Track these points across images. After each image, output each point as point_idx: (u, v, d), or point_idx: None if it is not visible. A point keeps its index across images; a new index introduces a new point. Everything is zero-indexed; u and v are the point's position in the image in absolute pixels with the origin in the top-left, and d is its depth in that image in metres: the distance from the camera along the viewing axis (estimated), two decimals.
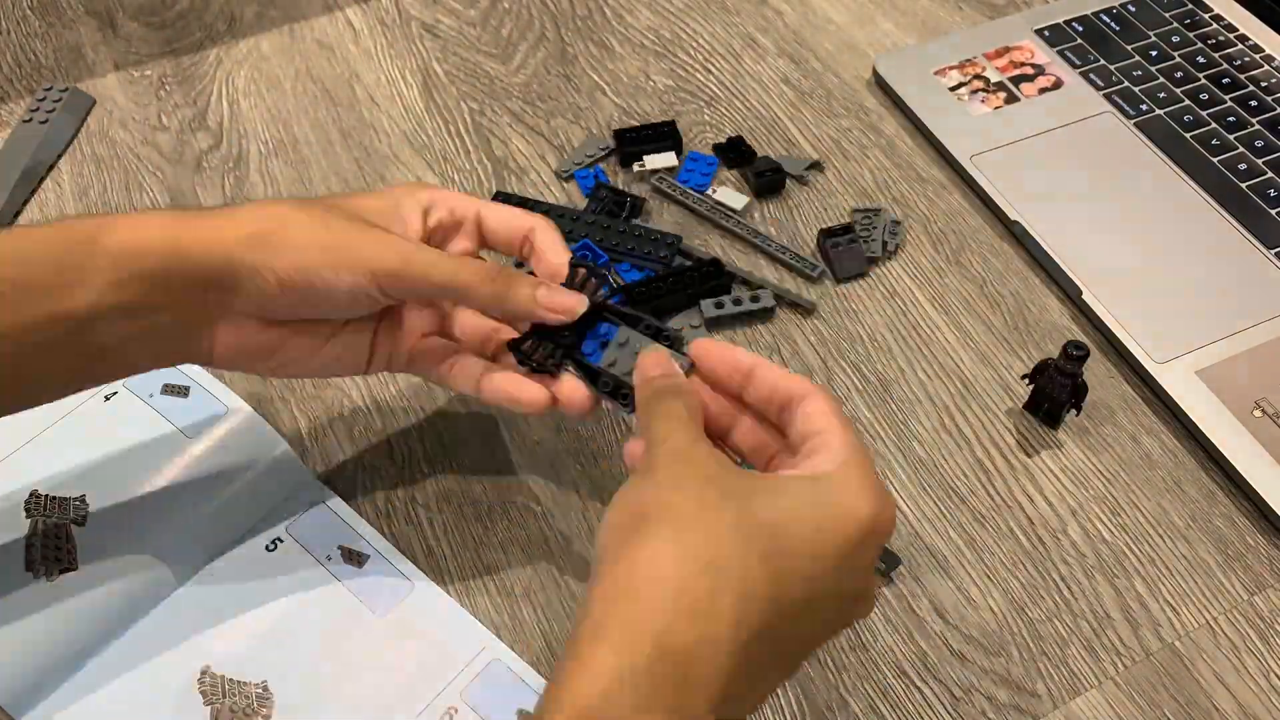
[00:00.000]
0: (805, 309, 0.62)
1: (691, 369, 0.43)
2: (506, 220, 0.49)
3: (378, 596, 0.51)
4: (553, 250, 0.48)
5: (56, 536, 0.50)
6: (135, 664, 0.48)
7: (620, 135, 0.69)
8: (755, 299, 0.61)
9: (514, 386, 0.46)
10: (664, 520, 0.35)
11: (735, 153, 0.69)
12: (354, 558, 0.52)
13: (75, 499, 0.51)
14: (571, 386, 0.45)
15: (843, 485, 0.37)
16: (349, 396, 0.58)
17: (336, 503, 0.53)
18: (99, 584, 0.49)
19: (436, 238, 0.48)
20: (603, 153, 0.69)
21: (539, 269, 0.48)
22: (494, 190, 0.68)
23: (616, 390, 0.44)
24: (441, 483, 0.55)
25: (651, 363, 0.42)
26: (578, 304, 0.45)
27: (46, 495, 0.52)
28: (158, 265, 0.42)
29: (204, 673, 0.48)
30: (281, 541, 0.52)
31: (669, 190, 0.66)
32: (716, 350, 0.42)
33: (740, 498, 0.36)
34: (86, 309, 0.41)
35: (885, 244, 0.64)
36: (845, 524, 0.36)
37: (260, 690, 0.48)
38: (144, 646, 0.49)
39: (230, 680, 0.48)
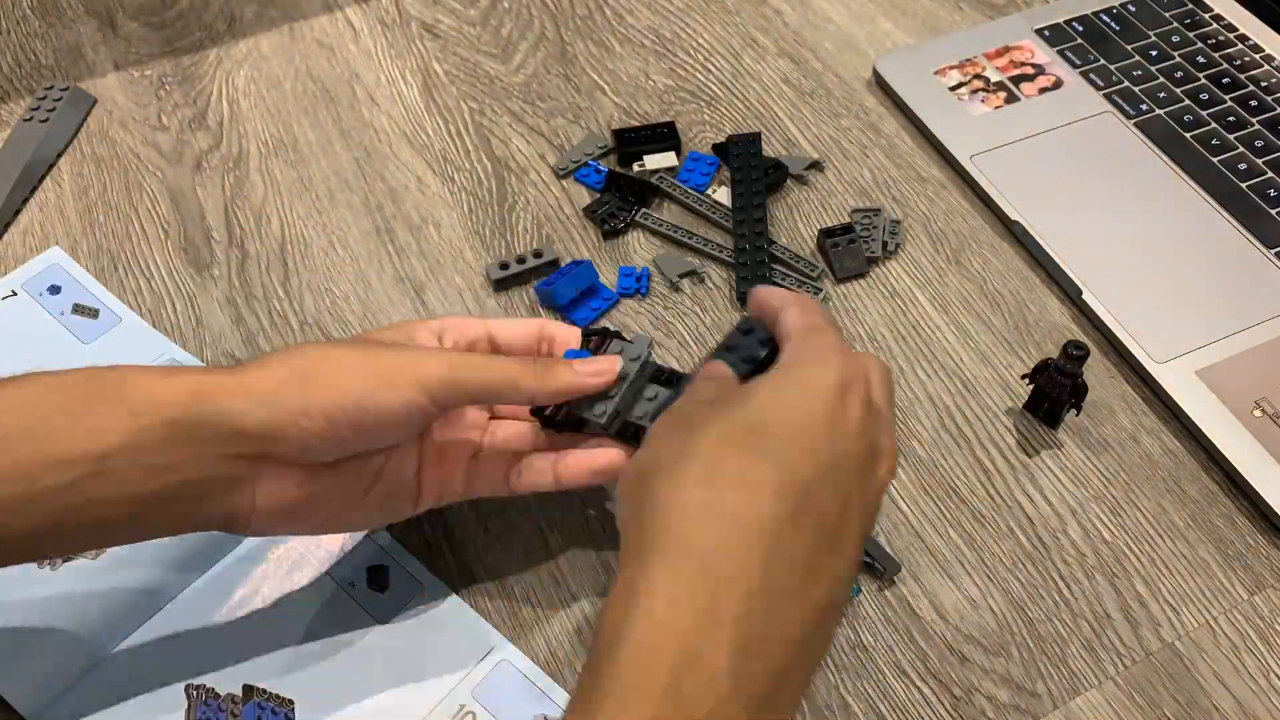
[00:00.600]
0: None
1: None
2: (516, 330, 0.51)
3: (384, 600, 0.50)
4: (573, 336, 0.51)
5: None
6: (144, 667, 0.48)
7: (620, 135, 0.69)
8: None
9: (590, 459, 0.47)
10: (658, 470, 0.37)
11: None
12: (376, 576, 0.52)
13: None
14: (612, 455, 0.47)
15: (804, 359, 0.40)
16: None
17: None
18: (109, 583, 0.49)
19: None
20: (601, 151, 0.69)
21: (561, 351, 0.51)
22: (494, 189, 0.68)
23: (625, 431, 0.47)
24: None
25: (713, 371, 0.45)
26: (613, 364, 0.47)
27: None
28: (183, 414, 0.39)
29: (199, 688, 0.48)
30: (285, 542, 0.52)
31: (669, 189, 0.66)
32: (760, 297, 0.46)
33: (720, 416, 0.38)
34: (95, 458, 0.38)
35: (885, 244, 0.64)
36: (816, 391, 0.38)
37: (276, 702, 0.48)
38: (152, 650, 0.49)
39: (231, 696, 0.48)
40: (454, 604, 0.51)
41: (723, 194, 0.67)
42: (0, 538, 0.38)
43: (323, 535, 0.50)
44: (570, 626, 0.50)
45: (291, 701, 0.47)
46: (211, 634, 0.49)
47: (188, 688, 0.48)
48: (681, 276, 0.63)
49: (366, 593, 0.51)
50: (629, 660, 0.32)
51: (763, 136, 0.68)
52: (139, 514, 0.40)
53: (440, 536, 0.53)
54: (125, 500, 0.39)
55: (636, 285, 0.62)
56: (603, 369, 0.46)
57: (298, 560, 0.51)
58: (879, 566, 0.51)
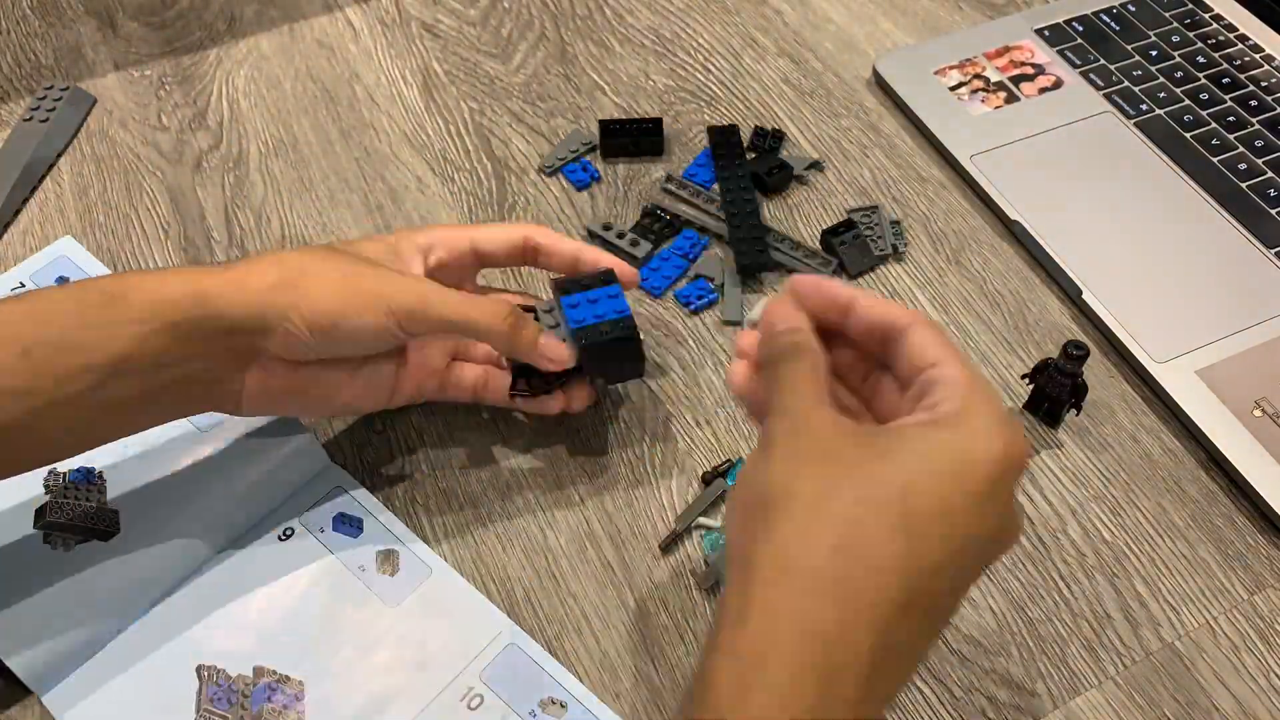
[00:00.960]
0: None
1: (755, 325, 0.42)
2: (499, 239, 0.52)
3: (394, 583, 0.51)
4: (561, 243, 0.52)
5: (73, 511, 0.51)
6: (154, 647, 0.49)
7: (605, 126, 0.69)
8: None
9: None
10: (787, 506, 0.34)
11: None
12: (352, 523, 0.53)
13: (95, 475, 0.52)
14: (579, 394, 0.54)
15: (969, 426, 0.35)
16: None
17: (360, 493, 0.54)
18: (120, 564, 0.49)
19: (440, 274, 0.51)
20: (586, 148, 0.69)
21: (554, 264, 0.53)
22: (494, 190, 0.68)
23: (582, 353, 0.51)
24: (440, 483, 0.55)
25: (779, 315, 0.40)
26: (568, 357, 0.50)
27: (64, 473, 0.53)
28: (183, 316, 0.43)
29: (210, 669, 0.48)
30: (294, 531, 0.52)
31: (677, 191, 0.66)
32: (813, 286, 0.40)
33: (863, 467, 0.34)
34: (112, 363, 0.42)
35: (895, 247, 0.64)
36: (977, 470, 0.34)
37: (281, 679, 0.48)
38: (162, 630, 0.49)
39: (244, 678, 0.48)
40: (463, 587, 0.51)
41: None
42: (35, 439, 0.43)
43: (305, 416, 0.54)
44: (565, 625, 0.50)
45: (301, 683, 0.48)
46: (223, 615, 0.50)
47: (199, 668, 0.48)
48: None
49: (377, 575, 0.51)
50: None
51: (752, 125, 0.68)
52: (149, 407, 0.46)
53: (451, 523, 0.53)
54: (138, 397, 0.44)
55: (700, 298, 0.62)
56: (558, 356, 0.50)
57: (310, 547, 0.52)
58: None
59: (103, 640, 0.49)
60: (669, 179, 0.67)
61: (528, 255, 0.53)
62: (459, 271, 0.53)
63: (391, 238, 0.51)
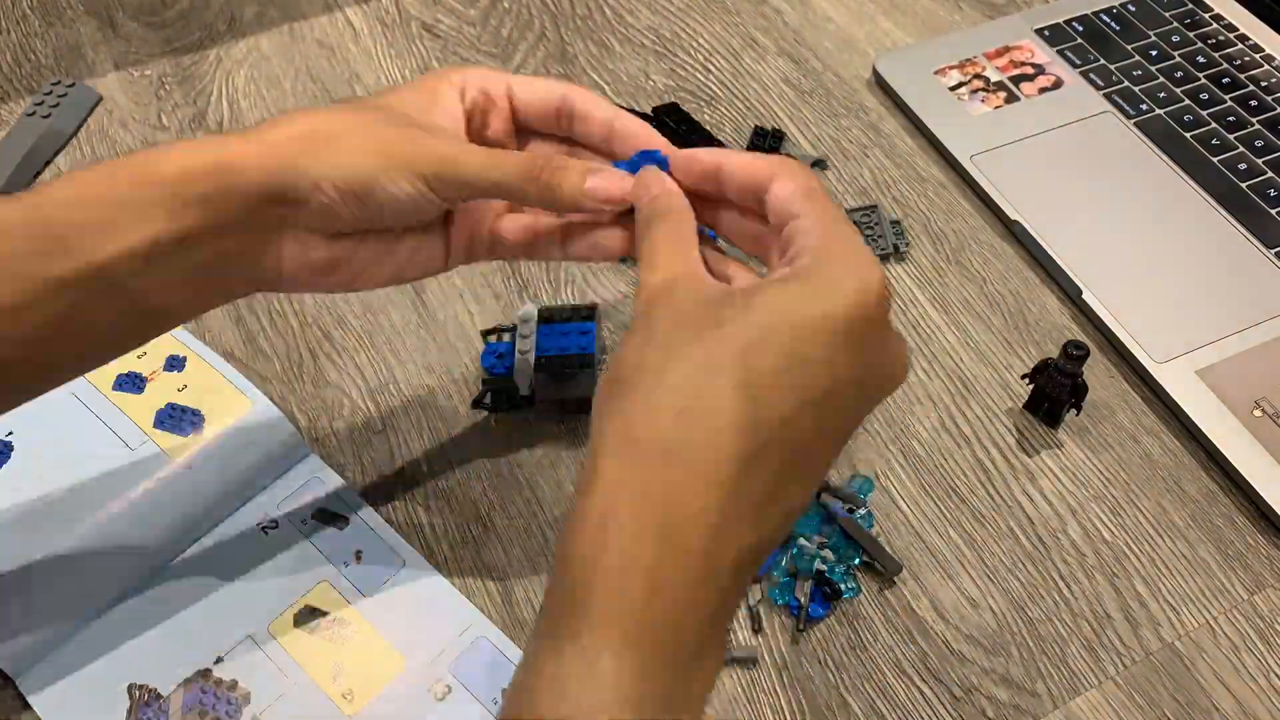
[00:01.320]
0: None
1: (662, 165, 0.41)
2: (536, 92, 0.46)
3: (368, 574, 0.51)
4: (598, 107, 0.45)
5: None
6: (130, 634, 0.49)
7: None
8: None
9: (598, 237, 0.45)
10: (635, 382, 0.35)
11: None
12: (336, 519, 0.53)
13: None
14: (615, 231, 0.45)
15: (820, 275, 0.35)
16: (349, 396, 0.58)
17: (328, 474, 0.54)
18: (99, 549, 0.49)
19: (475, 121, 0.46)
20: None
21: (589, 131, 0.46)
22: None
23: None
24: (439, 481, 0.55)
25: (647, 180, 0.41)
26: (624, 186, 0.42)
27: None
28: (212, 187, 0.40)
29: (198, 674, 0.48)
30: (276, 524, 0.53)
31: None
32: (684, 158, 0.41)
33: (711, 332, 0.34)
34: (148, 244, 0.40)
35: (897, 247, 0.64)
36: (825, 318, 0.34)
37: (234, 689, 0.48)
38: (138, 617, 0.50)
39: (217, 680, 0.48)
40: (434, 579, 0.51)
41: None
42: (89, 330, 0.41)
43: (354, 291, 0.49)
44: None
45: (249, 693, 0.48)
46: (196, 605, 0.50)
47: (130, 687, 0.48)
48: None
49: (351, 567, 0.51)
50: (602, 585, 0.33)
51: (752, 125, 0.67)
52: (191, 290, 0.42)
53: (450, 523, 0.53)
54: (179, 280, 0.41)
55: None
56: (613, 191, 0.42)
57: (286, 532, 0.52)
58: (880, 566, 0.51)
59: (81, 622, 0.49)
60: None
61: (562, 120, 0.47)
62: (493, 122, 0.47)
63: (430, 79, 0.46)
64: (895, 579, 0.52)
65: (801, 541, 0.52)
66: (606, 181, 0.42)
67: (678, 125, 0.69)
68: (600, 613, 0.32)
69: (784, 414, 0.34)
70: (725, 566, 0.33)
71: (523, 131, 0.48)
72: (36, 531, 0.50)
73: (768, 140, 0.69)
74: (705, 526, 0.33)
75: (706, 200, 0.41)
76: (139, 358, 0.56)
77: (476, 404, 0.56)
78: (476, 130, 0.46)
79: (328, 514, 0.53)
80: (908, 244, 0.65)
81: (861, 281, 0.35)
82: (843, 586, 0.51)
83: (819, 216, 0.37)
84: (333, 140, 0.41)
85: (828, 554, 0.51)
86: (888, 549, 0.52)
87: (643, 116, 0.53)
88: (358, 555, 0.52)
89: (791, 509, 0.35)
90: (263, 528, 0.53)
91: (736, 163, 0.40)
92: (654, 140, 0.44)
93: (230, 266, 0.43)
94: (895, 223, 0.66)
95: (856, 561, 0.52)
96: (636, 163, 0.43)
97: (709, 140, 0.69)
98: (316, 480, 0.54)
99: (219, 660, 0.48)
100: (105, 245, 0.39)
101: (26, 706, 0.47)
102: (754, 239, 0.41)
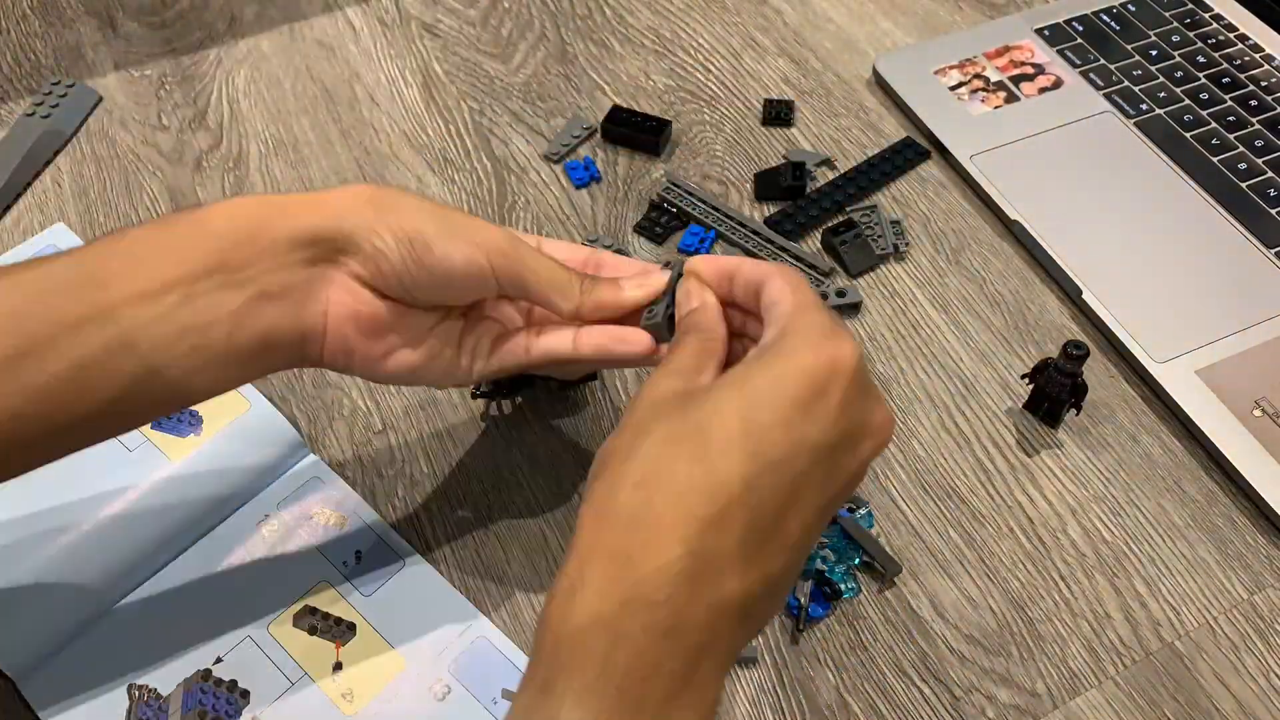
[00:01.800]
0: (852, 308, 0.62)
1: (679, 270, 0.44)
2: (566, 251, 0.49)
3: (368, 574, 0.51)
4: (618, 261, 0.49)
5: None
6: (130, 635, 0.49)
7: (616, 111, 0.69)
8: (841, 293, 0.62)
9: (616, 333, 0.46)
10: (607, 464, 0.36)
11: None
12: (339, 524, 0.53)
13: None
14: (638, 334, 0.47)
15: (782, 347, 0.37)
16: (349, 396, 0.58)
17: (327, 474, 0.54)
18: (99, 552, 0.50)
19: None
20: (586, 132, 0.70)
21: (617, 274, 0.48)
22: (494, 189, 0.68)
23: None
24: (439, 481, 0.55)
25: (687, 292, 0.44)
26: (654, 280, 0.46)
27: None
28: (257, 227, 0.41)
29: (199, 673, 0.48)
30: (269, 517, 0.53)
31: (676, 199, 0.66)
32: (704, 264, 0.44)
33: (676, 413, 0.36)
34: (188, 276, 0.39)
35: (897, 246, 0.64)
36: (788, 387, 0.36)
37: (233, 691, 0.48)
38: (139, 618, 0.50)
39: (215, 679, 0.48)
40: (434, 579, 0.51)
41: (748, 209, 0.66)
42: (101, 386, 0.39)
43: (383, 383, 0.51)
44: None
45: (247, 692, 0.48)
46: (196, 605, 0.50)
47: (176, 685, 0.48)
48: None
49: (350, 566, 0.52)
50: (569, 639, 0.34)
51: (759, 138, 0.67)
52: (229, 335, 0.41)
53: (451, 523, 0.53)
54: (215, 321, 0.40)
55: None
56: (644, 282, 0.46)
57: (286, 532, 0.52)
58: (880, 567, 0.51)
59: (83, 624, 0.49)
60: (669, 186, 0.67)
61: (589, 270, 0.49)
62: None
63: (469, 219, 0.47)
64: (895, 579, 0.52)
65: None
66: (636, 279, 0.46)
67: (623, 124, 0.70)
68: (567, 663, 0.33)
69: (744, 476, 0.35)
70: (696, 619, 0.34)
71: None
72: (36, 534, 0.50)
73: (778, 110, 0.70)
74: (668, 582, 0.33)
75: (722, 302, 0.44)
76: None
77: (476, 394, 0.56)
78: None
79: (328, 515, 0.53)
80: (908, 244, 0.65)
81: (820, 351, 0.36)
82: (843, 587, 0.51)
83: (796, 301, 0.39)
84: (396, 199, 0.43)
85: (828, 554, 0.51)
86: (888, 549, 0.52)
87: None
88: (357, 556, 0.52)
89: (771, 572, 0.36)
90: (262, 528, 0.52)
91: (749, 267, 0.43)
92: (648, 269, 0.48)
93: (275, 309, 0.41)
94: (895, 222, 0.65)
95: (856, 562, 0.52)
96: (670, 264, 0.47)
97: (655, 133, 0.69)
98: (315, 480, 0.54)
99: (219, 660, 0.48)
100: (132, 282, 0.39)
101: (28, 708, 0.47)
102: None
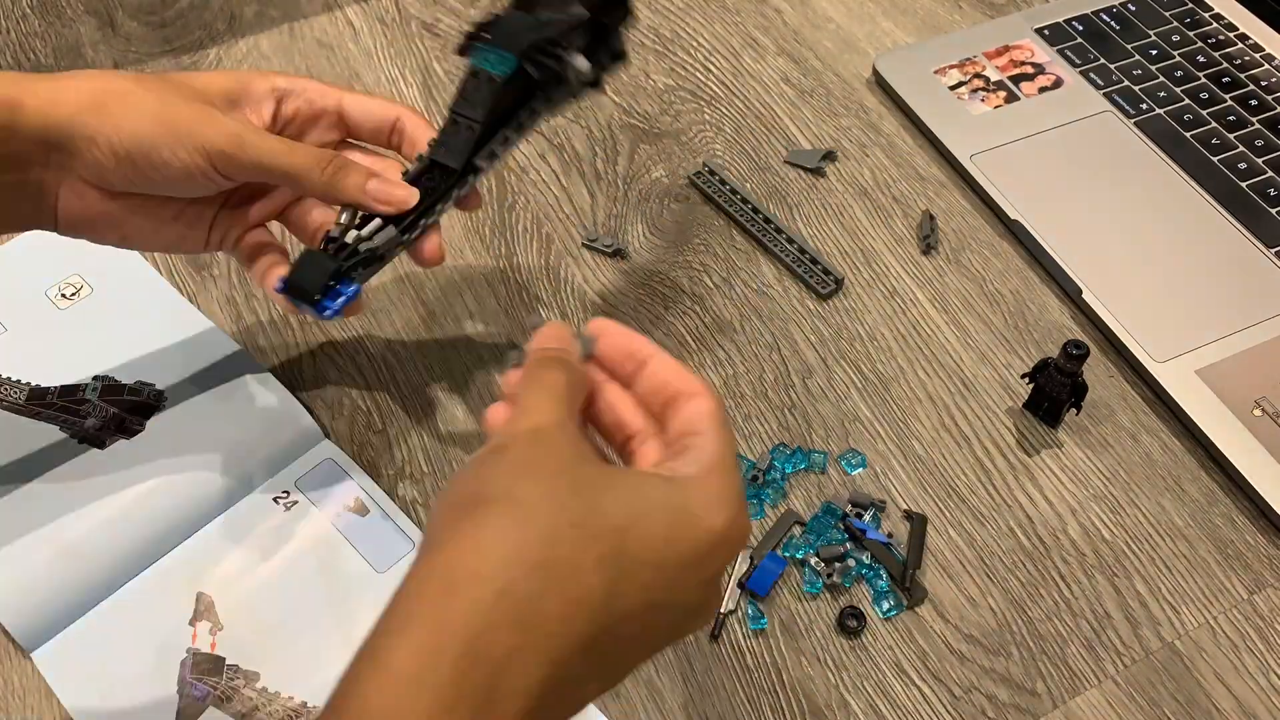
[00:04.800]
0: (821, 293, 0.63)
1: (589, 356, 0.39)
2: (371, 110, 0.49)
3: (380, 553, 0.52)
4: (428, 132, 0.49)
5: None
6: (143, 609, 0.50)
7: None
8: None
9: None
10: (502, 509, 0.32)
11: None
12: (359, 510, 0.53)
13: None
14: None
15: (700, 492, 0.34)
16: (349, 395, 0.58)
17: (345, 459, 0.55)
18: (113, 523, 0.50)
19: (292, 128, 0.49)
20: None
21: (410, 156, 0.49)
22: (493, 189, 0.67)
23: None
24: (440, 480, 0.55)
25: (550, 334, 0.39)
26: (408, 197, 0.46)
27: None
28: (3, 119, 0.42)
29: (196, 651, 0.49)
30: (289, 494, 0.53)
31: (704, 186, 0.66)
32: (617, 333, 0.40)
33: (591, 494, 0.33)
34: None
35: (927, 238, 0.64)
36: (695, 533, 0.33)
37: (238, 671, 0.48)
38: (152, 593, 0.50)
39: (228, 665, 0.49)
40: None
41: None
42: None
43: (125, 247, 0.51)
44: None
45: (256, 674, 0.48)
46: (206, 586, 0.51)
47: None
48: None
49: (362, 543, 0.52)
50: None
51: (759, 138, 0.67)
52: None
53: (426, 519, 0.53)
54: None
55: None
56: (395, 198, 0.46)
57: (299, 516, 0.53)
58: (909, 592, 0.51)
59: (95, 598, 0.49)
60: (705, 174, 0.67)
61: (393, 139, 0.50)
62: (316, 131, 0.50)
63: (249, 76, 0.48)
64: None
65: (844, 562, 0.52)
66: (387, 187, 0.46)
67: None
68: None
69: (631, 607, 0.32)
70: (506, 688, 0.29)
71: (348, 145, 0.51)
72: (51, 513, 0.51)
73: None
74: (527, 704, 0.29)
75: (615, 376, 0.40)
76: None
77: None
78: (293, 136, 0.48)
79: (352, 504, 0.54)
80: (936, 242, 0.65)
81: (740, 516, 0.35)
82: (878, 610, 0.51)
83: (722, 449, 0.36)
84: (122, 100, 0.43)
85: (865, 589, 0.52)
86: (917, 579, 0.52)
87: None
88: (370, 537, 0.52)
89: (577, 709, 0.33)
90: (276, 499, 0.53)
91: (666, 365, 0.39)
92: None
93: (8, 198, 0.44)
94: (932, 217, 0.65)
95: (884, 587, 0.51)
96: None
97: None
98: (330, 462, 0.55)
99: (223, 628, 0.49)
100: None
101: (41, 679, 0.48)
102: (617, 424, 0.39)
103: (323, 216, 0.50)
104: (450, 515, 0.32)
